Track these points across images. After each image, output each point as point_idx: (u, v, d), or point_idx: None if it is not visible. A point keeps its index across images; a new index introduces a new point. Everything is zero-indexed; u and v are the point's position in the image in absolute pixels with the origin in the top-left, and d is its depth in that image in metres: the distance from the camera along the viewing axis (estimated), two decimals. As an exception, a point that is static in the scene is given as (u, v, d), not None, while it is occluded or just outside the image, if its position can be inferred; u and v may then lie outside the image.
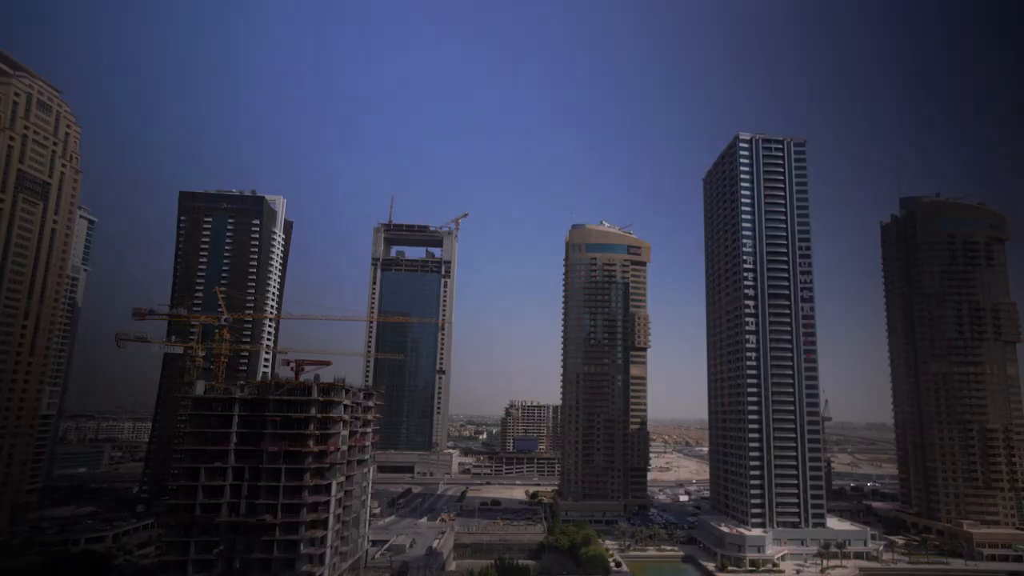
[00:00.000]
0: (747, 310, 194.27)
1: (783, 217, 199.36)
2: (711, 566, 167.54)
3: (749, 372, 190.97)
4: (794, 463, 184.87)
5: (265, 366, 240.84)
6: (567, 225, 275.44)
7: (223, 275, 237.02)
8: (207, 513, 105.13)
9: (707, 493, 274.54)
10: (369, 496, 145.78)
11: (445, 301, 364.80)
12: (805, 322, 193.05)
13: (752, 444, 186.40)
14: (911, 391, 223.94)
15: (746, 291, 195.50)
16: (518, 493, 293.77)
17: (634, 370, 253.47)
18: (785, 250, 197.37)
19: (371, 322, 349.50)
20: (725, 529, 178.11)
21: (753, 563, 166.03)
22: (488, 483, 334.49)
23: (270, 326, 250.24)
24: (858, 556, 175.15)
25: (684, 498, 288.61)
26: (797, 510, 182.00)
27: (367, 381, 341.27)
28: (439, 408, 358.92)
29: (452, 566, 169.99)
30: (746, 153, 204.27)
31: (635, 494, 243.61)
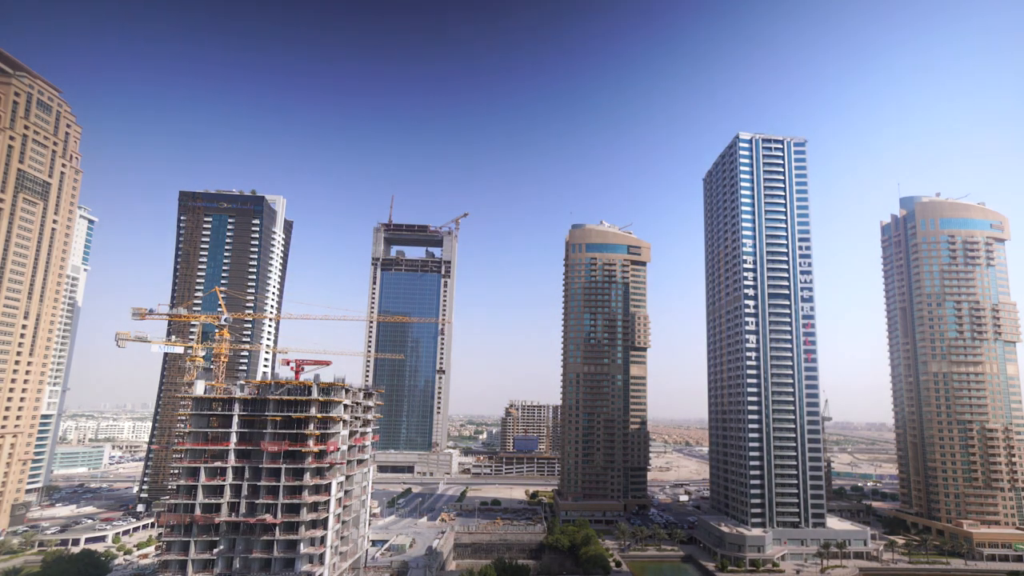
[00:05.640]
0: (747, 310, 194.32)
1: (783, 217, 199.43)
2: (711, 566, 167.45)
3: (749, 372, 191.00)
4: (794, 463, 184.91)
5: (265, 366, 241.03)
6: (567, 225, 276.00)
7: (223, 275, 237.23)
8: (207, 513, 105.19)
9: (707, 493, 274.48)
10: (369, 496, 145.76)
11: (445, 301, 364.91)
12: (805, 322, 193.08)
13: (752, 444, 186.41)
14: (911, 391, 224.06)
15: (746, 291, 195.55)
16: (518, 493, 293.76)
17: (634, 370, 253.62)
18: (785, 250, 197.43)
19: (371, 322, 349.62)
20: (725, 529, 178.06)
21: (753, 563, 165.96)
22: (488, 483, 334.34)
23: (270, 326, 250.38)
24: (858, 556, 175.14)
25: (684, 498, 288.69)
26: (797, 510, 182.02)
27: (367, 381, 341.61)
28: (439, 408, 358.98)
29: (452, 566, 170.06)
30: (746, 153, 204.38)
31: (635, 494, 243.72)
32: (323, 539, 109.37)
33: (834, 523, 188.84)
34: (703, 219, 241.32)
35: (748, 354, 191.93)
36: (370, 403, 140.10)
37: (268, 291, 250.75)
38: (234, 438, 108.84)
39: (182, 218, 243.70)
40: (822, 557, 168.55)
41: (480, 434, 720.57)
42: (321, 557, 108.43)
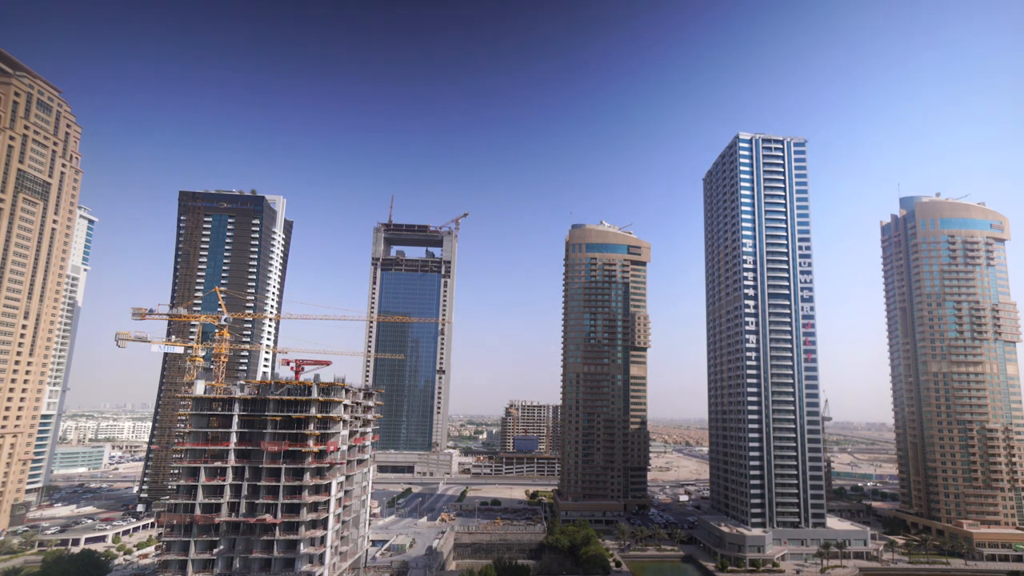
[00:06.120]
0: (747, 310, 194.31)
1: (783, 217, 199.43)
2: (711, 566, 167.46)
3: (749, 372, 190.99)
4: (794, 463, 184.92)
5: (265, 366, 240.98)
6: (567, 225, 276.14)
7: (223, 275, 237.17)
8: (207, 513, 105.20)
9: (707, 493, 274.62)
10: (369, 496, 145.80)
11: (445, 301, 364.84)
12: (805, 322, 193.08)
13: (752, 444, 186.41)
14: (911, 391, 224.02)
15: (746, 291, 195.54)
16: (518, 493, 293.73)
17: (634, 370, 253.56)
18: (785, 250, 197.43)
19: (371, 322, 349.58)
20: (725, 529, 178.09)
21: (753, 563, 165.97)
22: (488, 483, 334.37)
23: (270, 326, 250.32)
24: (858, 556, 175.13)
25: (684, 498, 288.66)
26: (797, 510, 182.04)
27: (367, 381, 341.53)
28: (439, 408, 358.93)
29: (452, 566, 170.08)
30: (746, 153, 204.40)
31: (635, 494, 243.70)
32: (323, 539, 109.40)
33: (834, 523, 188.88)
34: (703, 219, 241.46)
35: (748, 354, 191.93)
36: (370, 403, 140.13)
37: (268, 291, 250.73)
38: (234, 438, 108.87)
39: (182, 218, 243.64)
40: (822, 557, 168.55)
41: (480, 434, 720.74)
42: (321, 557, 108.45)
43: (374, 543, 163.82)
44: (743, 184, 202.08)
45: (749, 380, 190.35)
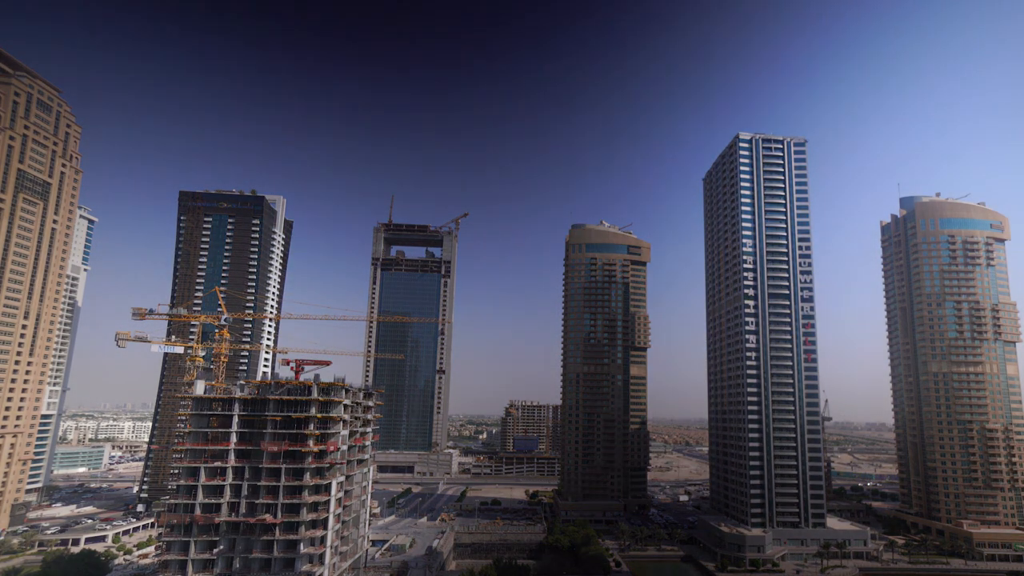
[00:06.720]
0: (747, 310, 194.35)
1: (783, 217, 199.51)
2: (711, 566, 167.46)
3: (749, 372, 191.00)
4: (794, 463, 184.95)
5: (265, 366, 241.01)
6: (567, 225, 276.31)
7: (223, 275, 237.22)
8: (207, 513, 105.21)
9: (707, 493, 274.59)
10: (369, 496, 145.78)
11: (445, 301, 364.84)
12: (805, 322, 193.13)
13: (752, 444, 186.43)
14: (911, 391, 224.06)
15: (746, 291, 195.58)
16: (518, 493, 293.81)
17: (634, 370, 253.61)
18: (785, 250, 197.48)
19: (371, 322, 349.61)
20: (725, 529, 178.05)
21: (753, 563, 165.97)
22: (488, 483, 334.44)
23: (270, 326, 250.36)
24: (858, 556, 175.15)
25: (684, 498, 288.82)
26: (797, 510, 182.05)
27: (367, 381, 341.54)
28: (439, 408, 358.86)
29: (452, 566, 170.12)
30: (746, 153, 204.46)
31: (635, 494, 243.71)
32: (323, 539, 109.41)
33: (834, 523, 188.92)
34: (703, 219, 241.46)
35: (748, 354, 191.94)
36: (370, 403, 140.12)
37: (268, 291, 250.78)
38: (234, 438, 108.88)
39: (182, 218, 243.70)
40: (822, 557, 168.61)
41: (480, 434, 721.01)
42: (321, 557, 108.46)
43: (374, 543, 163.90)
44: (743, 184, 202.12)
45: (749, 380, 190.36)
